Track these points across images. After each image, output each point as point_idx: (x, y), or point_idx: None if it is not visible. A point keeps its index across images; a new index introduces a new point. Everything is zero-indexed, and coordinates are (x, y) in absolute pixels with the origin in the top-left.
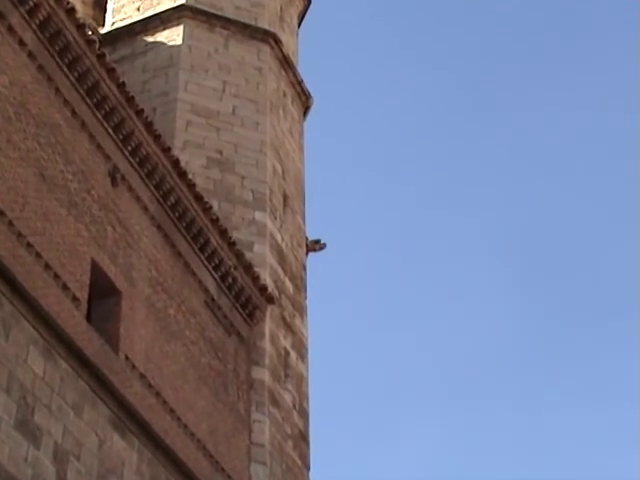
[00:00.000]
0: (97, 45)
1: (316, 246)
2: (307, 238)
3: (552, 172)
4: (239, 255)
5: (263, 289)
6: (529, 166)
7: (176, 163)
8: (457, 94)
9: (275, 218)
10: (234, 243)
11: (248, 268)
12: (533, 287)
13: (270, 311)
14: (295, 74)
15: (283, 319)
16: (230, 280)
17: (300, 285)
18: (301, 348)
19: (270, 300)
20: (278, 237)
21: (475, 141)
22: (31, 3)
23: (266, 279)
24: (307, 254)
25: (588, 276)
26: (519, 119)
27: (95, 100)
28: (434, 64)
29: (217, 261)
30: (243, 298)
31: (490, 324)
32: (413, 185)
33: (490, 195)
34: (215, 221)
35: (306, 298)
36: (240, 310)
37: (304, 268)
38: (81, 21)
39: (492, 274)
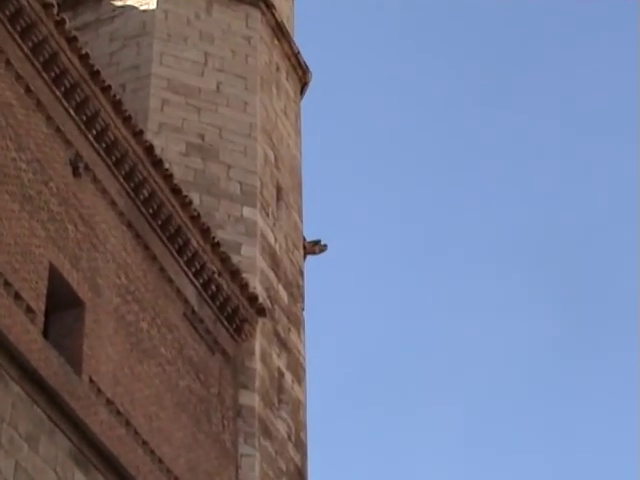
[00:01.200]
0: (55, 10)
1: (315, 248)
2: (305, 238)
3: (560, 174)
4: (224, 259)
5: (253, 299)
6: (539, 164)
7: (150, 150)
8: (468, 73)
9: (267, 215)
10: (218, 244)
11: (235, 274)
12: (546, 294)
13: (261, 325)
14: (290, 44)
15: (276, 334)
16: (214, 288)
17: (296, 294)
18: (298, 368)
19: (261, 312)
20: (270, 237)
21: (490, 125)
22: None
23: (256, 287)
24: (305, 257)
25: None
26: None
27: (53, 75)
28: (446, 39)
29: (198, 266)
30: (229, 309)
31: (501, 331)
32: (429, 173)
33: (500, 190)
34: (196, 218)
35: (303, 309)
36: (225, 324)
37: (301, 274)
38: None
39: (505, 278)
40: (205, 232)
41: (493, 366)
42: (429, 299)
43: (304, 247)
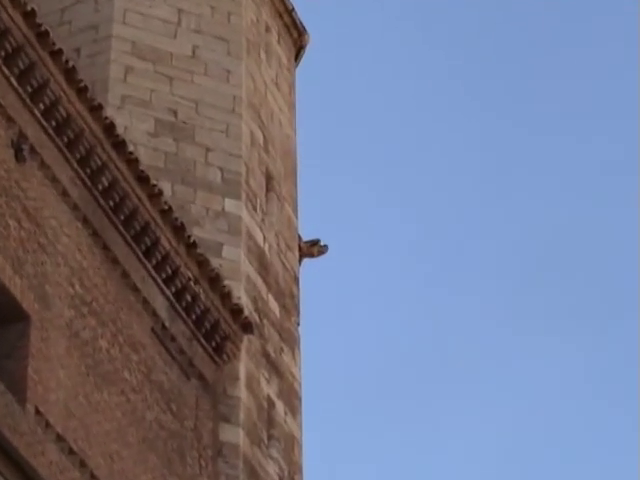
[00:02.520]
0: None
1: (314, 249)
2: (300, 238)
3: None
4: (202, 262)
5: (236, 312)
6: (541, 164)
7: (110, 129)
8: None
9: (254, 208)
10: (195, 245)
11: (215, 281)
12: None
13: (247, 344)
14: (284, 0)
15: (266, 355)
16: (189, 298)
17: (290, 305)
18: (292, 397)
19: (247, 328)
20: (259, 236)
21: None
22: None
23: (241, 297)
24: (301, 261)
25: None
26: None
27: None
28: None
29: (170, 271)
30: (207, 325)
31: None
32: (444, 157)
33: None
34: (167, 213)
35: (299, 324)
36: (203, 342)
37: (296, 281)
38: None
39: (511, 278)
40: (178, 230)
41: (505, 373)
42: (448, 308)
43: (300, 248)
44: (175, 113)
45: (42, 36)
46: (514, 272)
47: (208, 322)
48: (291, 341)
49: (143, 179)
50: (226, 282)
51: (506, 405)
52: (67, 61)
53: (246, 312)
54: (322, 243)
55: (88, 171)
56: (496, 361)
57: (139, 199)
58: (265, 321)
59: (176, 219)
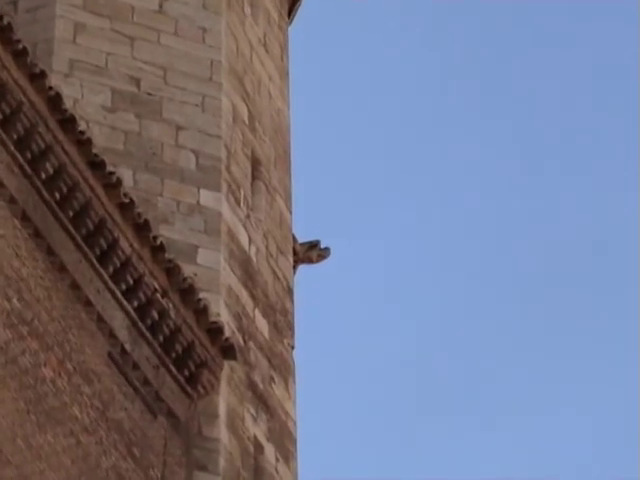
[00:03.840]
0: None
1: (312, 254)
2: (295, 239)
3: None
4: (172, 270)
5: (215, 332)
6: (542, 163)
7: (55, 102)
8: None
9: (237, 202)
10: (162, 248)
11: (188, 294)
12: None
13: (228, 372)
14: None
15: (252, 387)
16: (155, 316)
17: (283, 324)
18: (285, 439)
19: (228, 352)
20: (243, 237)
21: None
22: None
23: (221, 313)
24: (296, 268)
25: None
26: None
27: None
28: None
29: (131, 281)
30: (179, 349)
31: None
32: (459, 146)
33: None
34: (128, 207)
35: (293, 347)
36: (173, 371)
37: (290, 293)
38: None
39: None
40: (142, 229)
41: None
42: (465, 325)
43: (294, 252)
44: (137, 82)
45: None
46: (521, 283)
47: (179, 345)
48: (284, 369)
49: (97, 165)
50: (202, 295)
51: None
52: (1, 17)
53: (227, 332)
54: (322, 245)
55: (28, 155)
56: (503, 381)
57: (92, 190)
58: (251, 344)
59: (139, 215)
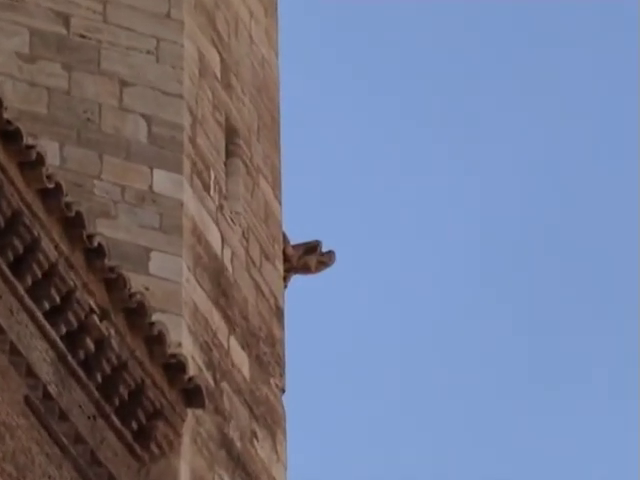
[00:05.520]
0: None
1: (310, 260)
2: (287, 238)
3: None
4: (114, 282)
5: (174, 369)
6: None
7: None
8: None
9: (206, 188)
10: (101, 252)
11: (136, 315)
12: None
13: (193, 424)
14: None
15: (225, 444)
16: (91, 346)
17: (269, 357)
18: None
19: (193, 397)
20: (213, 236)
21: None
22: None
23: (182, 343)
24: (288, 278)
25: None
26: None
27: None
28: None
29: (58, 297)
30: (123, 393)
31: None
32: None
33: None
34: (52, 194)
35: (283, 390)
36: (116, 422)
37: (279, 314)
38: None
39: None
40: (72, 225)
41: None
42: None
43: (286, 257)
44: (66, 20)
45: None
46: (529, 294)
47: (125, 387)
48: (270, 420)
49: (9, 136)
50: (156, 317)
51: None
52: None
53: (192, 369)
54: (324, 248)
55: None
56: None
57: (3, 172)
58: (225, 385)
59: (68, 206)
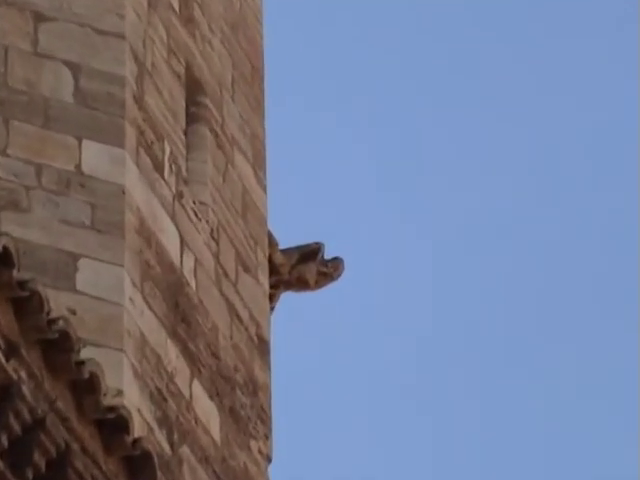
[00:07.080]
0: None
1: (307, 271)
2: (274, 240)
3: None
4: (25, 303)
5: (113, 428)
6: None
7: None
8: None
9: (159, 169)
10: (9, 258)
11: (58, 350)
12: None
13: None
14: None
15: None
16: None
17: (248, 411)
18: None
19: (140, 468)
20: (169, 237)
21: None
22: None
23: (125, 391)
24: (276, 297)
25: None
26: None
27: None
28: None
29: None
30: (39, 462)
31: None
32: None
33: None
34: None
35: (270, 459)
36: None
37: (263, 348)
38: None
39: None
40: None
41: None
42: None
43: (272, 266)
44: None
45: None
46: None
47: (41, 454)
48: None
49: None
50: (86, 353)
51: None
52: None
53: (138, 429)
54: (327, 255)
55: None
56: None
57: None
58: (186, 451)
59: None
